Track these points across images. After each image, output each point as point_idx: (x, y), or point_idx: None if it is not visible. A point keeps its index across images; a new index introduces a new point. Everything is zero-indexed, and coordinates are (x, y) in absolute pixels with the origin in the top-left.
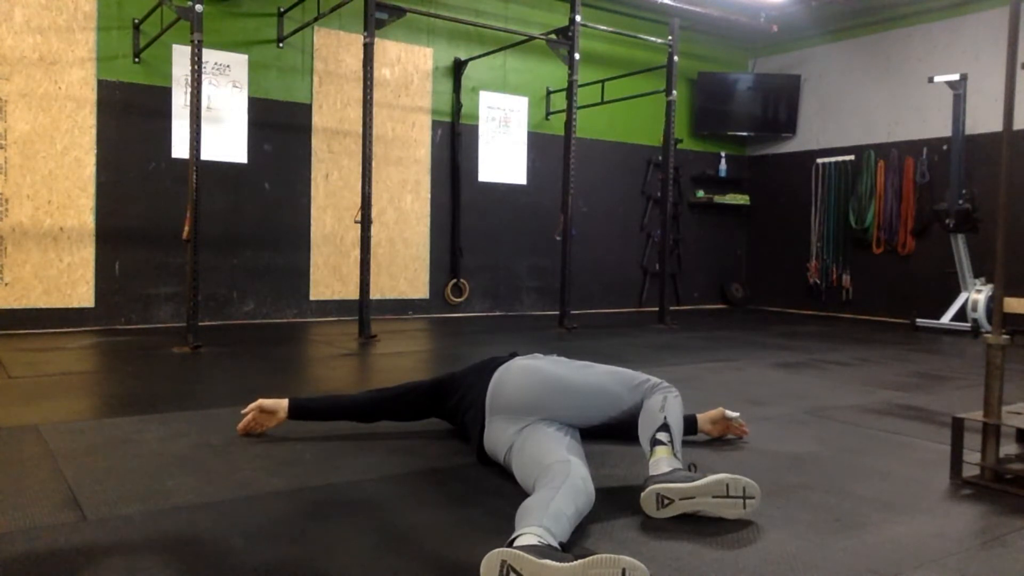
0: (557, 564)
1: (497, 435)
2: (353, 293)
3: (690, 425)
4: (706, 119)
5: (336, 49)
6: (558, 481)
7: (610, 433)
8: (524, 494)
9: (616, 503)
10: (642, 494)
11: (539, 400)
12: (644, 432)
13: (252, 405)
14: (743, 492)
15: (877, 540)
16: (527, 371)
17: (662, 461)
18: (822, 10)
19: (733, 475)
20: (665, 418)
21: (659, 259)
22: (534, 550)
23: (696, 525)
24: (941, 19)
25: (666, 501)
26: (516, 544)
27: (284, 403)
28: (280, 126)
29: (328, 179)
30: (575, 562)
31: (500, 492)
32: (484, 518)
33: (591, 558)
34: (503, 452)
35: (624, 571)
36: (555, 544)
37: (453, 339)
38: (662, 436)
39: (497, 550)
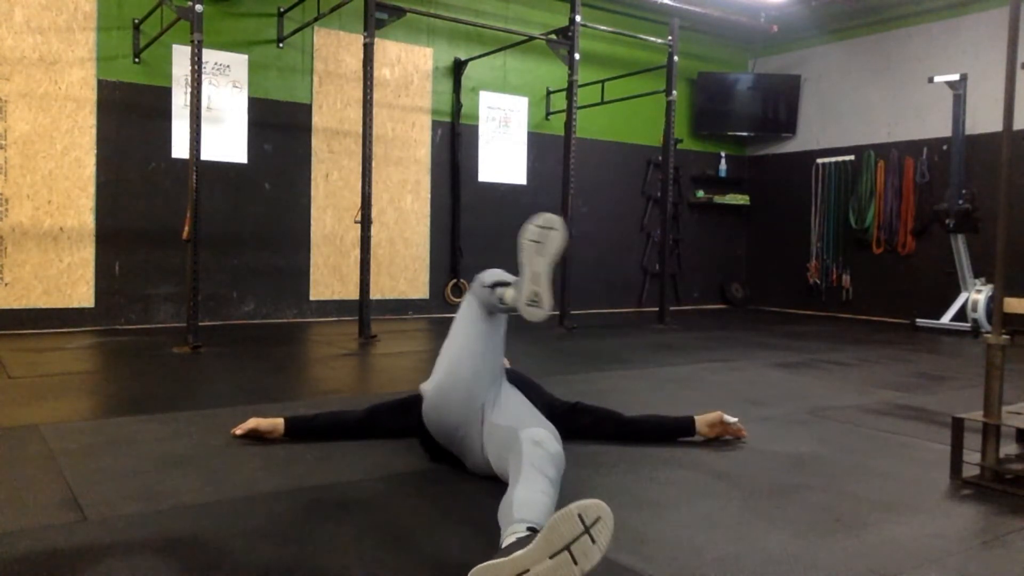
0: (522, 551)
1: (474, 449)
2: (353, 293)
3: (687, 427)
4: (706, 119)
5: (336, 49)
6: (516, 465)
7: (609, 434)
8: None
9: (615, 503)
10: None
11: (456, 410)
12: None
13: (247, 426)
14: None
15: (877, 540)
16: (433, 402)
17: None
18: (822, 10)
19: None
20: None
21: (659, 259)
22: (503, 551)
23: (695, 525)
24: (941, 19)
25: None
26: (502, 547)
27: (280, 422)
28: (280, 126)
29: (328, 179)
30: (536, 538)
31: (501, 491)
32: (484, 518)
33: (548, 524)
34: (485, 458)
35: (580, 516)
36: (537, 528)
37: None
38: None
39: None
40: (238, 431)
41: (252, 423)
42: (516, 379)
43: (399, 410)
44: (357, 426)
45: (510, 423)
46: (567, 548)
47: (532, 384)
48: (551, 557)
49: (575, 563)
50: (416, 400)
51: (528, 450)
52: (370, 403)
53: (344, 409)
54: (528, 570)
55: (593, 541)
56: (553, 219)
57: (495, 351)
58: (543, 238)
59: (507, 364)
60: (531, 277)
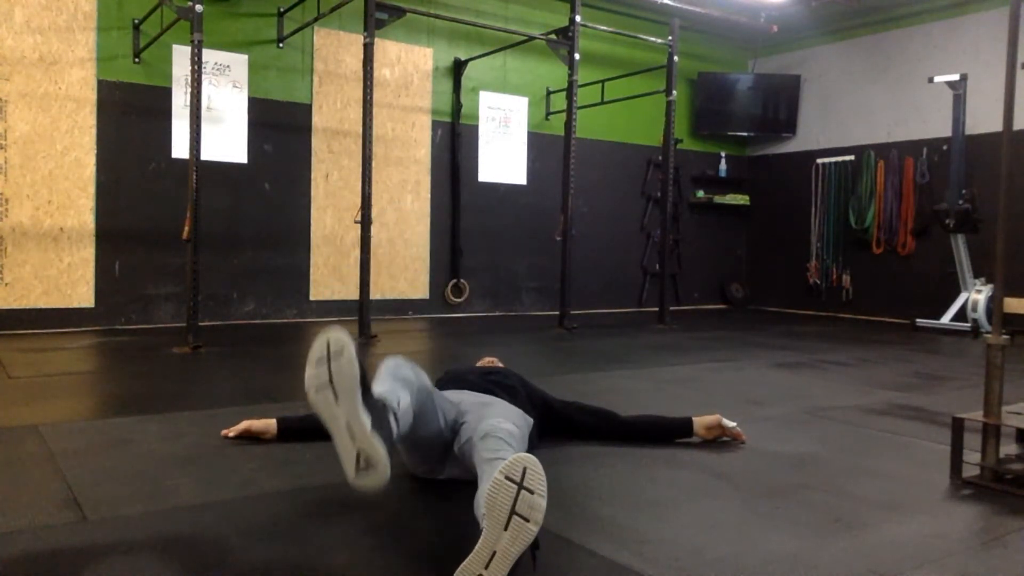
0: (480, 539)
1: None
2: (353, 293)
3: (685, 428)
4: (706, 119)
5: (336, 49)
6: (479, 465)
7: (607, 434)
8: None
9: (614, 502)
10: None
11: (435, 463)
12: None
13: (240, 427)
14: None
15: (877, 540)
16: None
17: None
18: (822, 10)
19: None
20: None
21: (659, 259)
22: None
23: (695, 525)
24: (941, 19)
25: None
26: None
27: (272, 423)
28: (280, 126)
29: (328, 179)
30: (486, 519)
31: None
32: None
33: (486, 502)
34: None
35: (508, 477)
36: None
37: (453, 339)
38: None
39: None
40: (231, 433)
41: (245, 424)
42: (511, 380)
43: None
44: None
45: (468, 435)
46: (513, 512)
47: (528, 385)
48: (505, 528)
49: (527, 521)
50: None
51: (481, 447)
52: None
53: None
54: (494, 552)
55: (531, 492)
56: (334, 340)
57: (433, 413)
58: (333, 373)
59: (498, 363)
60: (344, 437)
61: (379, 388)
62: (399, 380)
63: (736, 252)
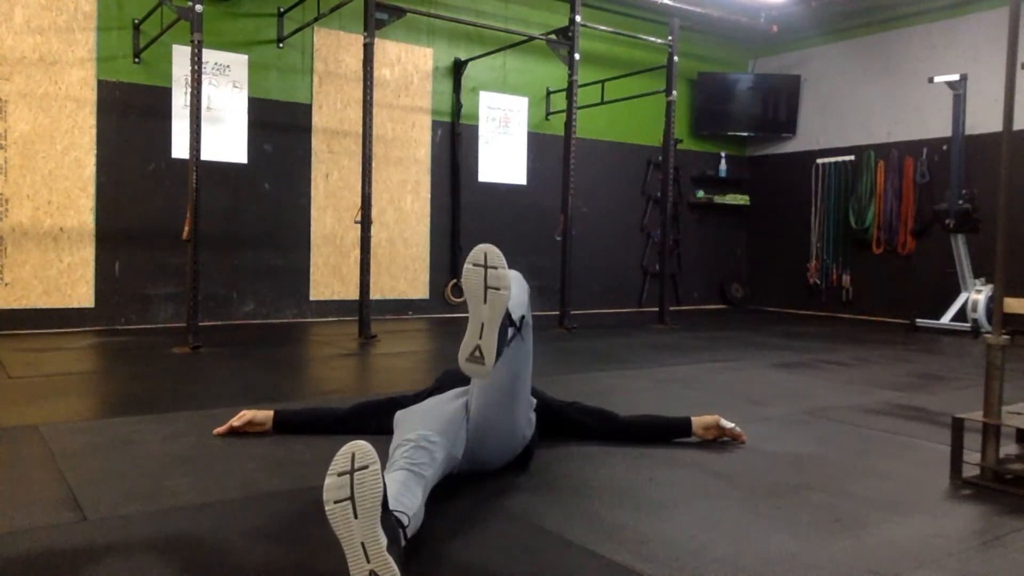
0: (469, 322)
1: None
2: (353, 293)
3: (684, 428)
4: (706, 119)
5: (336, 49)
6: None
7: (606, 434)
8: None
9: (614, 502)
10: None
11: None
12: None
13: (243, 419)
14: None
15: (877, 540)
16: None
17: None
18: (822, 10)
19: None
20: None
21: (659, 259)
22: None
23: (695, 525)
24: (941, 19)
25: None
26: None
27: (270, 415)
28: (280, 126)
29: (328, 179)
30: (469, 308)
31: (500, 489)
32: (483, 514)
33: (465, 291)
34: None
35: (473, 264)
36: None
37: (453, 339)
38: None
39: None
40: (222, 430)
41: (249, 415)
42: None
43: (387, 409)
44: (344, 420)
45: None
46: (486, 287)
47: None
48: (484, 302)
49: (499, 289)
50: (402, 401)
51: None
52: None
53: (331, 406)
54: (482, 323)
55: (495, 268)
56: (360, 452)
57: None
58: (356, 488)
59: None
60: (358, 554)
61: (393, 490)
62: (414, 471)
63: (736, 252)
